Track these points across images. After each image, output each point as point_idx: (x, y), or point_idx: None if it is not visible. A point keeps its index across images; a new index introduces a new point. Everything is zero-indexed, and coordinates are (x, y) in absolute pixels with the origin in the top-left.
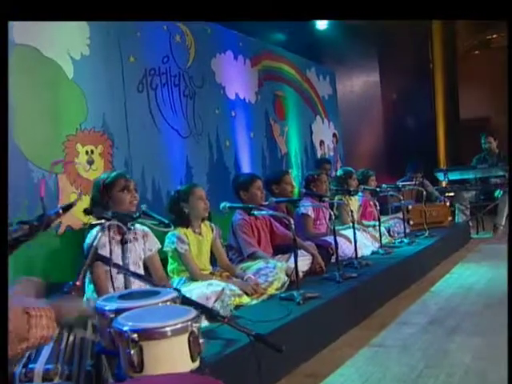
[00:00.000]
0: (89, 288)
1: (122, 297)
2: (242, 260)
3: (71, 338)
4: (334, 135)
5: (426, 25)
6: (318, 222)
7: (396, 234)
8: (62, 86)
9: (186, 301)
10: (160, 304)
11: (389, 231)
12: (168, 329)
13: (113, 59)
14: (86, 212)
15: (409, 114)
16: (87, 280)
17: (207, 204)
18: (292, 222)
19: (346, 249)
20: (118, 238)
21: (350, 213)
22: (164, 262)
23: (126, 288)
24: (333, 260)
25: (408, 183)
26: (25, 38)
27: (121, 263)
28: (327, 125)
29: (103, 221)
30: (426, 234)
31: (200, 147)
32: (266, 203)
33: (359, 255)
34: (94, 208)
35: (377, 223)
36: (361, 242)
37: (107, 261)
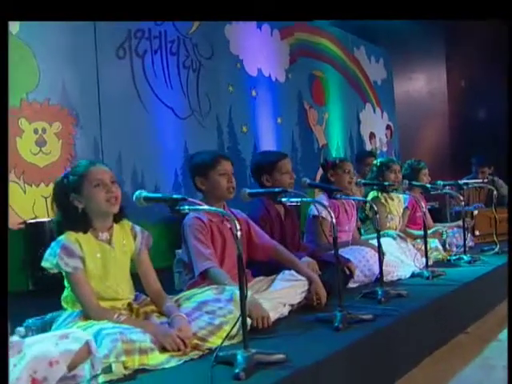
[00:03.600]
0: None
1: None
2: (195, 283)
3: None
4: (388, 127)
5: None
6: (340, 228)
7: (454, 248)
8: None
9: None
10: None
11: (444, 244)
12: None
13: None
14: None
15: (480, 105)
16: None
17: (116, 191)
18: (237, 225)
19: (372, 267)
20: None
21: (375, 216)
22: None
23: None
24: (354, 284)
25: (473, 181)
26: None
27: None
28: (380, 114)
29: None
30: (496, 250)
31: (205, 131)
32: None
33: (392, 278)
34: None
35: (430, 232)
36: (397, 258)
37: None
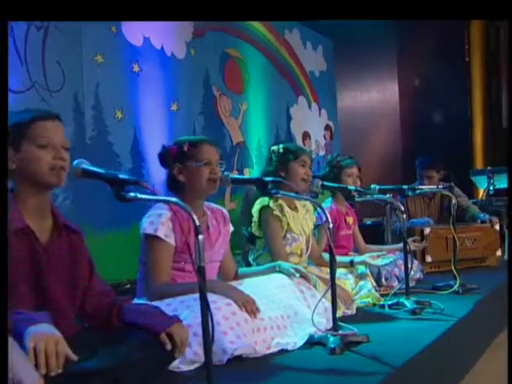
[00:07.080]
0: None
1: None
2: None
3: None
4: (328, 128)
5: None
6: (188, 257)
7: (396, 283)
8: None
9: None
10: None
11: (378, 278)
12: None
13: None
14: None
15: (435, 111)
16: None
17: None
18: None
19: (223, 334)
20: None
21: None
22: None
23: None
24: (187, 366)
25: (425, 187)
26: None
27: None
28: (317, 112)
29: None
30: (456, 287)
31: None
32: None
33: (269, 350)
34: None
35: (356, 258)
36: (288, 310)
37: None
